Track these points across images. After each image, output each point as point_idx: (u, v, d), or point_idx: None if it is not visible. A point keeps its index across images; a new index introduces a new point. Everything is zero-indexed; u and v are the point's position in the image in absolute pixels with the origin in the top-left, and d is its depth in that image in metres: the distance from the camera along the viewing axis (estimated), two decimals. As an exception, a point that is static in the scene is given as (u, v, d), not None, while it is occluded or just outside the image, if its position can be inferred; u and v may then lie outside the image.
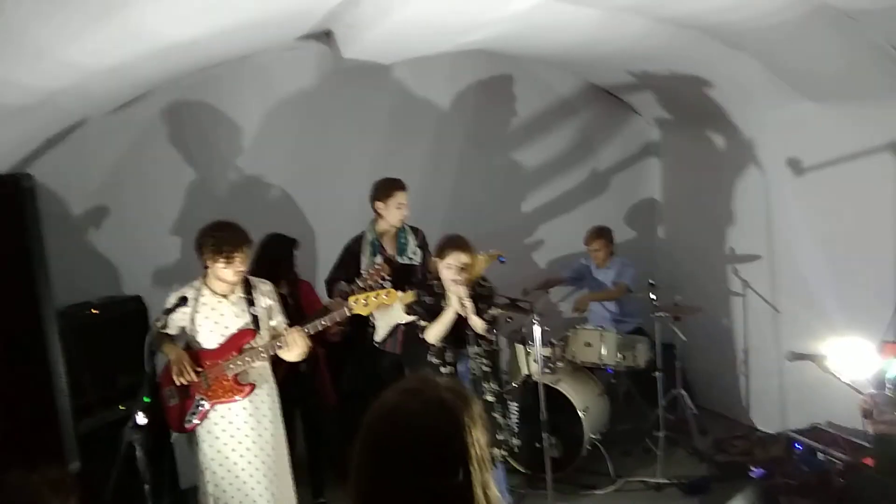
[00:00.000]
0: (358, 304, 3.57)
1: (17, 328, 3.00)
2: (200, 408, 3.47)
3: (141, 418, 2.92)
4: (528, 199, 6.16)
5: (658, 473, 4.71)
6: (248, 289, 3.58)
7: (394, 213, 4.40)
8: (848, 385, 4.13)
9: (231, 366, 3.45)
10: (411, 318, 3.91)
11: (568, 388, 4.78)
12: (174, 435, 3.64)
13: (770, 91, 4.72)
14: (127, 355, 3.76)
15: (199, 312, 3.49)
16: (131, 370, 3.77)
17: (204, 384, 3.46)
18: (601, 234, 5.54)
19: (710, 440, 5.19)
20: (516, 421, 4.79)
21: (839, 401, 4.38)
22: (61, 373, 3.10)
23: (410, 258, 4.49)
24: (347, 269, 4.39)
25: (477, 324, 3.76)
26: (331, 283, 4.52)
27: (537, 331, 4.35)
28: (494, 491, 1.37)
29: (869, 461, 3.84)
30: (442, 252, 3.76)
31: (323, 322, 3.58)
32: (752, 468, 4.44)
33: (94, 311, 4.13)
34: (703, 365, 5.87)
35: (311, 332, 3.56)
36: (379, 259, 4.36)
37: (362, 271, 4.13)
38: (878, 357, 3.91)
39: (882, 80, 3.96)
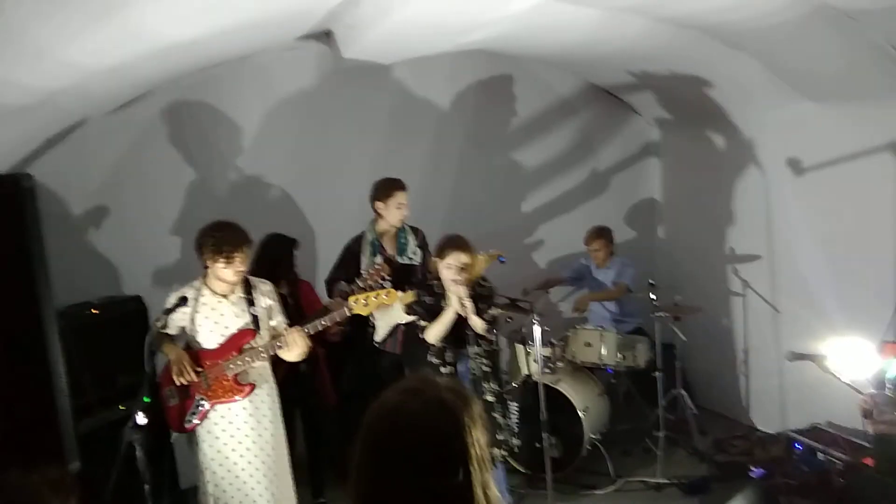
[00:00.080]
0: (358, 304, 3.57)
1: (17, 328, 3.00)
2: (200, 408, 3.47)
3: (141, 418, 2.93)
4: (528, 199, 6.16)
5: (658, 473, 4.71)
6: (248, 289, 3.58)
7: (394, 214, 4.40)
8: (848, 385, 4.13)
9: (231, 366, 3.45)
10: (411, 318, 3.91)
11: (568, 388, 4.78)
12: (174, 435, 3.64)
13: (770, 91, 4.72)
14: (127, 355, 3.76)
15: (199, 312, 3.49)
16: (131, 370, 3.77)
17: (204, 384, 3.46)
18: (601, 234, 5.54)
19: (710, 440, 5.19)
20: (516, 421, 4.81)
21: (839, 401, 4.38)
22: (61, 373, 3.10)
23: (410, 258, 4.49)
24: (347, 269, 4.39)
25: (477, 324, 3.75)
26: (331, 283, 4.52)
27: (537, 331, 4.35)
28: (494, 491, 1.37)
29: (869, 461, 3.84)
30: (442, 252, 3.76)
31: (323, 322, 3.58)
32: (752, 468, 4.44)
33: (94, 311, 4.14)
34: (703, 365, 5.87)
35: (311, 332, 3.57)
36: (379, 259, 4.36)
37: (362, 271, 4.13)
38: (878, 357, 3.91)
39: (882, 80, 3.96)
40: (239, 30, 3.81)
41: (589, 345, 5.09)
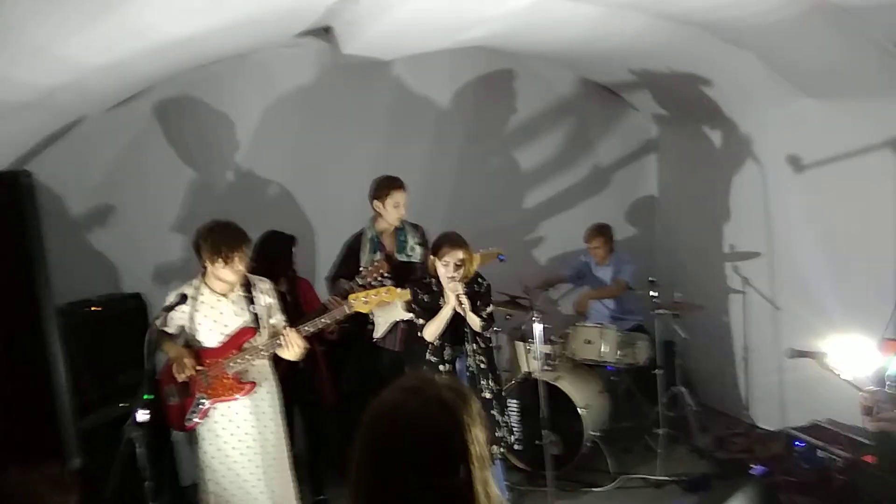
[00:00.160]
0: (358, 302, 3.57)
1: (17, 326, 3.00)
2: (201, 406, 3.47)
3: (141, 415, 2.92)
4: (527, 196, 6.16)
5: (658, 471, 4.71)
6: (247, 287, 3.57)
7: (391, 213, 4.39)
8: (848, 382, 4.12)
9: (231, 364, 3.45)
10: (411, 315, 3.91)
11: (568, 386, 4.78)
12: (175, 432, 3.64)
13: (770, 88, 4.71)
14: (127, 353, 3.76)
15: (198, 311, 3.48)
16: (131, 367, 3.77)
17: (204, 382, 3.45)
18: (601, 231, 5.54)
19: (710, 437, 5.19)
20: (517, 418, 4.83)
21: (839, 398, 4.36)
22: (61, 370, 3.10)
23: (409, 255, 4.48)
24: (348, 267, 4.39)
25: (474, 321, 3.76)
26: (332, 281, 4.51)
27: (537, 328, 4.35)
28: (494, 489, 1.38)
29: (869, 458, 3.84)
30: (438, 250, 3.76)
31: (323, 320, 3.58)
32: (753, 465, 4.43)
33: (94, 309, 4.14)
34: (703, 362, 5.87)
35: (312, 331, 3.56)
36: (378, 256, 4.36)
37: (361, 269, 4.12)
38: (879, 354, 3.91)
39: (881, 77, 3.96)
40: (238, 26, 3.81)
41: (589, 342, 5.09)
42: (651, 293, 4.93)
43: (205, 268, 3.46)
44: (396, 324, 4.39)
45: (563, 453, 4.71)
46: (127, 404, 3.96)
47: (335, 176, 5.36)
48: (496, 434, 3.87)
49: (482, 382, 3.85)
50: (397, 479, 1.31)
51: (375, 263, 4.05)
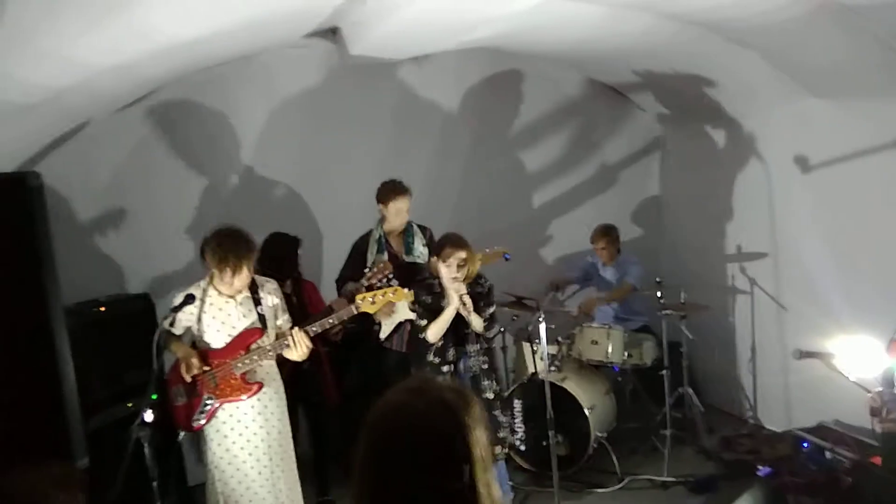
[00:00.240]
0: (365, 302, 3.58)
1: (25, 325, 3.01)
2: (208, 407, 3.48)
3: (149, 415, 2.94)
4: (533, 196, 6.16)
5: (665, 472, 4.70)
6: (254, 288, 3.58)
7: (392, 218, 4.41)
8: (856, 383, 4.11)
9: (239, 364, 3.46)
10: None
11: (574, 387, 4.78)
12: (182, 432, 3.65)
13: (775, 87, 4.70)
14: (134, 353, 3.77)
15: (205, 312, 3.49)
16: (139, 367, 3.78)
17: (212, 383, 3.47)
18: (607, 232, 5.53)
19: (716, 438, 5.17)
20: (521, 419, 4.82)
21: (846, 399, 4.36)
22: (69, 370, 3.10)
23: (417, 257, 4.49)
24: (355, 268, 4.39)
25: (475, 322, 3.77)
26: (340, 283, 4.51)
27: (543, 329, 4.35)
28: (496, 490, 1.38)
29: (877, 460, 3.82)
30: (440, 250, 3.78)
31: (330, 321, 3.58)
32: (760, 467, 4.42)
33: (101, 309, 4.15)
34: (709, 363, 5.86)
35: (319, 331, 3.57)
36: (383, 256, 4.37)
37: (365, 270, 4.13)
38: (886, 355, 3.89)
39: (888, 76, 3.94)
40: (244, 28, 3.82)
41: (595, 343, 5.08)
42: (657, 294, 4.92)
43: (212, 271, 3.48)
44: (402, 324, 4.40)
45: (569, 454, 4.71)
46: (134, 404, 3.99)
47: (341, 177, 5.37)
48: (499, 435, 3.88)
49: (484, 383, 3.87)
50: (400, 480, 1.31)
51: (380, 265, 4.06)
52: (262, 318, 3.55)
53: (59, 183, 4.37)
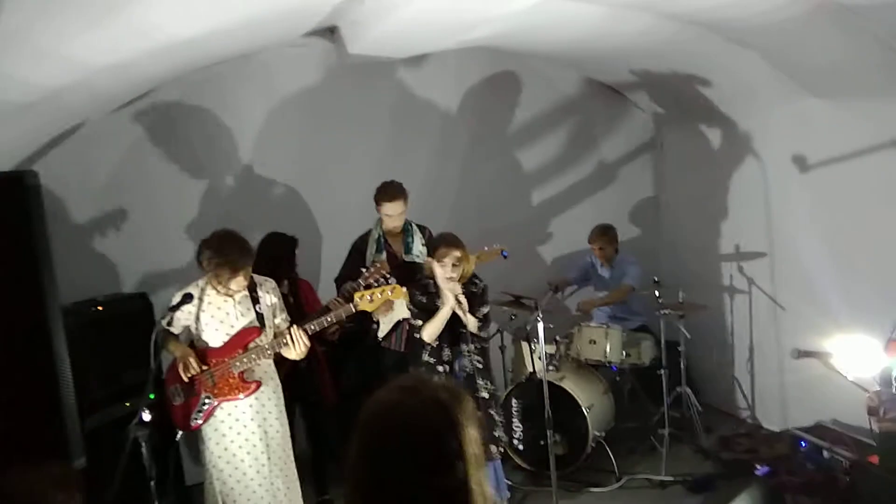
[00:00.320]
0: (363, 301, 3.57)
1: (22, 325, 3.00)
2: (206, 406, 3.48)
3: (146, 415, 2.93)
4: (532, 196, 6.16)
5: (663, 471, 4.70)
6: (252, 286, 3.58)
7: (386, 220, 4.41)
8: (854, 383, 4.12)
9: (237, 363, 3.46)
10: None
11: (572, 386, 4.78)
12: (179, 432, 3.65)
13: (774, 87, 4.71)
14: (132, 352, 3.77)
15: (204, 311, 3.49)
16: (137, 367, 3.78)
17: (210, 382, 3.46)
18: (605, 232, 5.54)
19: (714, 438, 5.18)
20: (519, 418, 4.83)
21: (844, 398, 4.37)
22: (66, 369, 3.10)
23: (416, 256, 4.49)
24: (355, 267, 4.38)
25: (470, 322, 3.77)
26: (339, 282, 4.51)
27: (541, 328, 4.35)
28: (489, 488, 1.39)
29: (874, 459, 3.83)
30: (435, 250, 3.78)
31: (329, 318, 3.58)
32: (758, 466, 4.43)
33: (99, 308, 4.15)
34: (707, 362, 5.87)
35: (317, 329, 3.57)
36: (382, 256, 4.36)
37: (362, 269, 4.13)
38: (884, 355, 3.90)
39: (887, 76, 3.94)
40: (243, 26, 3.82)
41: (593, 342, 5.08)
42: (655, 293, 4.93)
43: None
44: (400, 323, 4.39)
45: (567, 453, 4.71)
46: (132, 404, 3.99)
47: (340, 177, 5.36)
48: (494, 434, 3.89)
49: (479, 382, 3.87)
50: (393, 479, 1.31)
51: (377, 264, 4.06)
52: (260, 316, 3.55)
53: (56, 182, 4.37)
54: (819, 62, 4.24)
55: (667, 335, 4.96)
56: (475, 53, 5.47)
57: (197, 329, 3.51)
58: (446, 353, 3.85)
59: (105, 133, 4.69)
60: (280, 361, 3.68)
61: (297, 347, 3.48)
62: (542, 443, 4.42)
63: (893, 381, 3.69)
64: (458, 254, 3.71)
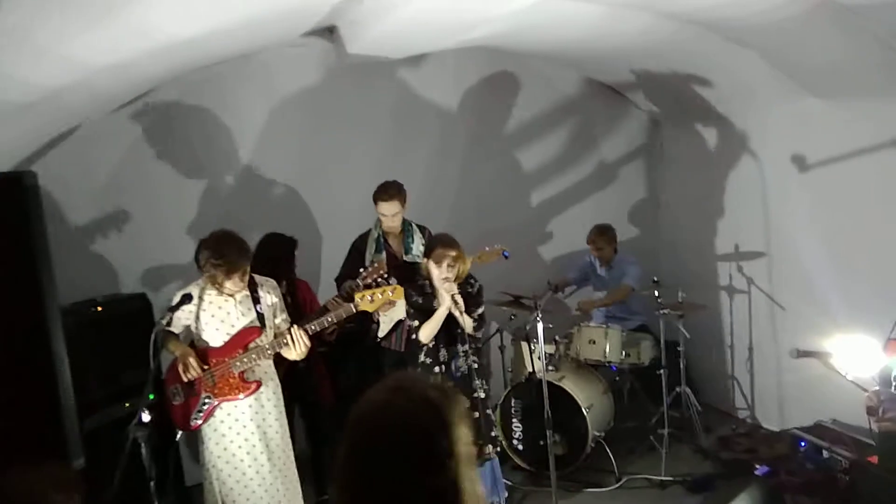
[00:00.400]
0: (364, 301, 3.57)
1: (21, 325, 3.00)
2: (206, 405, 3.48)
3: (146, 415, 2.93)
4: (532, 196, 6.16)
5: (662, 471, 4.70)
6: (253, 286, 3.58)
7: (382, 220, 4.41)
8: (853, 382, 4.12)
9: (237, 363, 3.46)
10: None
11: (572, 386, 4.78)
12: (179, 432, 3.65)
13: (773, 87, 4.71)
14: (131, 353, 3.76)
15: (204, 311, 3.49)
16: (136, 368, 3.78)
17: (210, 382, 3.46)
18: (604, 232, 5.53)
19: (714, 438, 5.18)
20: (519, 418, 4.83)
21: (844, 398, 4.37)
22: (65, 370, 3.10)
23: (416, 257, 4.49)
24: (354, 267, 4.38)
25: (467, 323, 3.78)
26: (339, 281, 4.51)
27: (541, 328, 4.35)
28: (479, 487, 1.39)
29: (874, 459, 3.83)
30: (430, 252, 3.79)
31: (329, 318, 3.58)
32: (757, 466, 4.43)
33: (98, 309, 4.15)
34: (707, 362, 5.87)
35: (318, 330, 3.57)
36: (381, 256, 4.36)
37: (360, 269, 4.13)
38: (884, 355, 3.90)
39: (886, 76, 3.94)
40: (242, 26, 3.81)
41: (593, 342, 5.08)
42: (655, 293, 4.93)
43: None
44: (400, 323, 4.39)
45: (566, 453, 4.71)
46: (131, 404, 3.98)
47: (340, 177, 5.36)
48: (491, 434, 3.90)
49: (476, 382, 3.88)
50: (383, 478, 1.31)
51: (375, 264, 4.06)
52: (260, 316, 3.55)
53: (56, 182, 4.37)
54: (818, 62, 4.24)
55: (666, 335, 4.96)
56: (474, 53, 5.47)
57: (197, 328, 3.51)
58: (442, 353, 3.87)
59: (104, 133, 4.68)
60: (278, 362, 3.68)
61: (297, 348, 3.48)
62: (541, 443, 4.42)
63: (892, 381, 3.69)
64: (453, 254, 3.72)
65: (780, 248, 5.15)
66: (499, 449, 4.02)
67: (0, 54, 2.78)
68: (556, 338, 5.14)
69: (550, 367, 4.94)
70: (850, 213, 4.56)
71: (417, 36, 4.52)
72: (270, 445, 3.55)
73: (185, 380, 3.46)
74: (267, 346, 3.49)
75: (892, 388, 3.68)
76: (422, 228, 4.58)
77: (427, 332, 3.79)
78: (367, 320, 4.34)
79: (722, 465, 4.77)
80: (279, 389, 3.67)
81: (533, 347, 4.90)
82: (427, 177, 5.49)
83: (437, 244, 3.79)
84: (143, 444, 2.92)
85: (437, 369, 3.85)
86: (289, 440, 3.69)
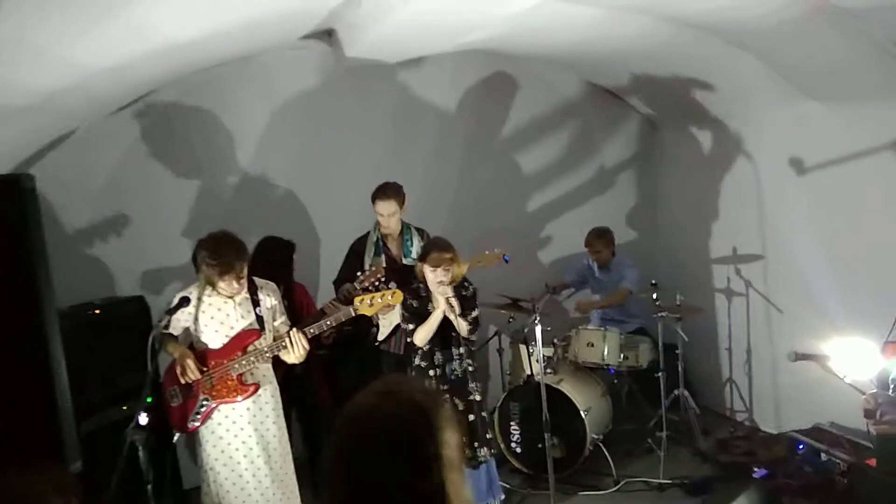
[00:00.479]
0: (363, 305, 3.57)
1: (18, 328, 2.99)
2: (204, 407, 3.48)
3: (143, 418, 2.93)
4: (531, 199, 6.16)
5: (661, 474, 4.70)
6: (252, 289, 3.58)
7: (379, 220, 4.41)
8: (850, 385, 4.11)
9: (236, 366, 3.45)
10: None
11: (570, 389, 4.77)
12: (177, 435, 3.65)
13: (772, 90, 4.71)
14: (129, 355, 3.75)
15: (204, 312, 3.49)
16: (133, 370, 3.77)
17: (208, 384, 3.46)
18: (602, 235, 5.53)
19: (712, 440, 5.18)
20: (517, 421, 4.82)
21: (841, 401, 4.36)
22: (63, 373, 3.09)
23: (415, 260, 4.48)
24: (353, 269, 4.38)
25: (462, 327, 3.79)
26: (338, 284, 4.50)
27: (539, 331, 4.35)
28: (466, 491, 1.40)
29: (872, 462, 3.83)
30: (426, 255, 3.80)
31: (328, 323, 3.58)
32: (755, 468, 4.43)
33: (96, 312, 4.14)
34: (705, 365, 5.87)
35: (317, 333, 3.57)
36: (380, 259, 4.36)
37: (358, 273, 4.12)
38: (881, 357, 3.90)
39: (884, 79, 3.95)
40: (241, 29, 3.82)
41: (591, 345, 5.08)
42: (653, 296, 4.93)
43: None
44: (399, 326, 4.39)
45: (564, 456, 4.71)
46: (129, 407, 3.98)
47: (339, 179, 5.36)
48: (486, 437, 3.91)
49: (471, 385, 3.90)
50: (371, 482, 1.32)
51: (373, 268, 4.06)
52: (260, 319, 3.55)
53: (54, 185, 4.35)
54: (816, 65, 4.25)
55: (664, 338, 4.96)
56: (473, 56, 5.47)
57: (196, 330, 3.51)
58: (438, 356, 3.88)
59: (103, 136, 4.68)
60: (276, 364, 3.68)
61: (296, 351, 3.48)
62: (539, 446, 4.42)
63: (890, 384, 3.68)
64: (448, 258, 3.73)
65: (778, 251, 5.16)
66: (494, 451, 4.03)
67: (-2, 57, 2.78)
68: (555, 340, 5.14)
69: (548, 370, 4.94)
70: (848, 216, 4.56)
71: (415, 39, 4.52)
72: (268, 448, 3.54)
73: (184, 382, 3.45)
74: (265, 349, 3.49)
75: (890, 390, 3.67)
76: (420, 231, 4.58)
77: (422, 336, 3.81)
78: (366, 323, 4.34)
79: (720, 467, 4.77)
80: (277, 392, 3.67)
81: (531, 350, 4.91)
82: (426, 179, 5.49)
83: (432, 248, 3.80)
84: (140, 448, 2.92)
85: (432, 372, 3.87)
86: (287, 443, 3.69)
